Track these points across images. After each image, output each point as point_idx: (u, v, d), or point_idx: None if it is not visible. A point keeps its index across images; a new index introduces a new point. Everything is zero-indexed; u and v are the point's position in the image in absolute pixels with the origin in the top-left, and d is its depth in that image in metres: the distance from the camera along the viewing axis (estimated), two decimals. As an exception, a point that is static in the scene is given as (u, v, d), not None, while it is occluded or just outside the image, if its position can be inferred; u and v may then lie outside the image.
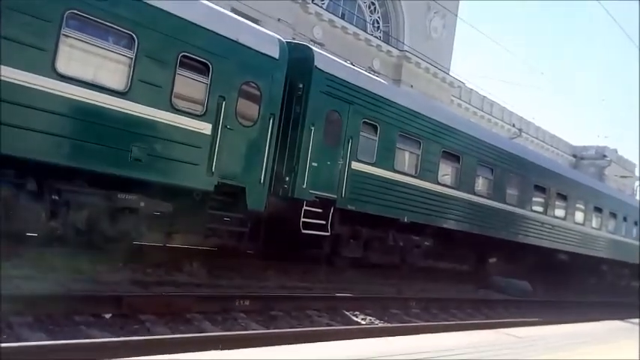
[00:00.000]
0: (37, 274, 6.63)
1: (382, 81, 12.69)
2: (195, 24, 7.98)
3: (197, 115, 8.11)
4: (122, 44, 7.20)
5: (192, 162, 8.13)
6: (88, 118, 6.94)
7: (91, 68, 6.98)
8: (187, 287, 7.88)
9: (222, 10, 9.19)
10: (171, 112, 7.75)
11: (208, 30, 8.18)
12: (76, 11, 6.64)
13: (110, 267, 7.66)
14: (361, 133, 10.84)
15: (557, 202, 17.54)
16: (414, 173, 12.18)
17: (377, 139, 11.18)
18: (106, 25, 6.97)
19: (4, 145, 6.17)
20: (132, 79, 7.25)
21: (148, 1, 7.34)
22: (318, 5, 27.25)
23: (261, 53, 9.06)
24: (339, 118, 10.39)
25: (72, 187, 7.16)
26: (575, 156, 45.78)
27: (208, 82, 8.22)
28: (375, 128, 11.13)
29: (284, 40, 9.85)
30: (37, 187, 6.78)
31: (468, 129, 14.22)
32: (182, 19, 7.78)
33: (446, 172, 13.18)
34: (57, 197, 6.97)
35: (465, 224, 13.72)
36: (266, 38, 9.46)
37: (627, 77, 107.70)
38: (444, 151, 12.89)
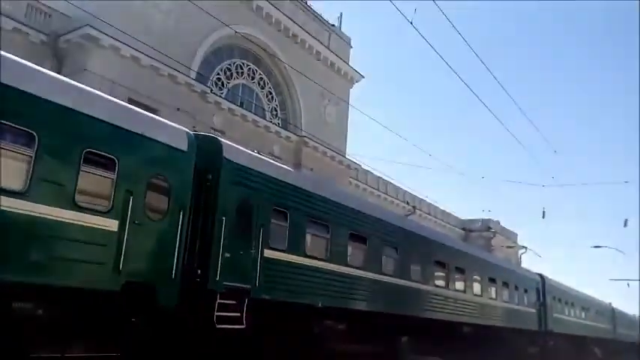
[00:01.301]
0: None
1: (289, 168, 13.01)
2: (100, 119, 7.80)
3: (102, 212, 7.73)
4: (20, 142, 6.82)
5: (97, 261, 7.62)
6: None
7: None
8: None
9: (126, 104, 9.12)
10: (74, 211, 7.32)
11: (113, 125, 8.02)
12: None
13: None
14: (272, 220, 10.87)
15: (456, 276, 18.41)
16: (324, 257, 12.29)
17: (287, 225, 11.25)
18: (3, 123, 6.60)
19: None
20: (31, 178, 6.83)
21: (48, 98, 7.10)
22: (216, 95, 27.83)
23: (169, 146, 8.99)
24: (249, 206, 10.37)
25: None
26: (464, 229, 48.91)
27: (114, 177, 7.94)
28: (285, 215, 11.23)
29: (191, 132, 9.88)
30: None
31: (373, 211, 14.78)
32: (85, 114, 7.58)
33: (354, 253, 13.44)
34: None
35: (375, 304, 13.89)
36: (173, 131, 9.42)
37: (505, 156, 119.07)
38: (351, 234, 13.22)
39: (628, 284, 47.97)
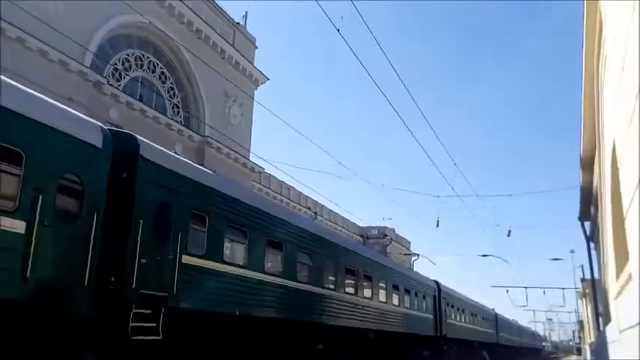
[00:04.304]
0: None
1: (208, 171, 12.48)
2: (2, 106, 6.92)
3: (8, 212, 6.85)
4: None
5: (1, 267, 6.73)
6: None
7: None
8: None
9: (32, 91, 8.16)
10: (-25, 210, 6.42)
11: (18, 114, 7.14)
12: None
13: None
14: (191, 224, 10.33)
15: (364, 283, 18.71)
16: (242, 264, 11.91)
17: (206, 230, 10.76)
18: None
19: None
20: None
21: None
22: (113, 87, 26.18)
23: (82, 141, 8.20)
24: (168, 209, 9.77)
25: None
26: (362, 235, 50.22)
27: (21, 174, 7.07)
28: (203, 219, 10.73)
29: (106, 127, 9.13)
30: None
31: (289, 217, 14.61)
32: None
33: (271, 260, 13.17)
34: None
35: (292, 312, 13.69)
36: (87, 125, 8.65)
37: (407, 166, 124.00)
38: (269, 240, 12.94)
39: (507, 290, 52.04)
